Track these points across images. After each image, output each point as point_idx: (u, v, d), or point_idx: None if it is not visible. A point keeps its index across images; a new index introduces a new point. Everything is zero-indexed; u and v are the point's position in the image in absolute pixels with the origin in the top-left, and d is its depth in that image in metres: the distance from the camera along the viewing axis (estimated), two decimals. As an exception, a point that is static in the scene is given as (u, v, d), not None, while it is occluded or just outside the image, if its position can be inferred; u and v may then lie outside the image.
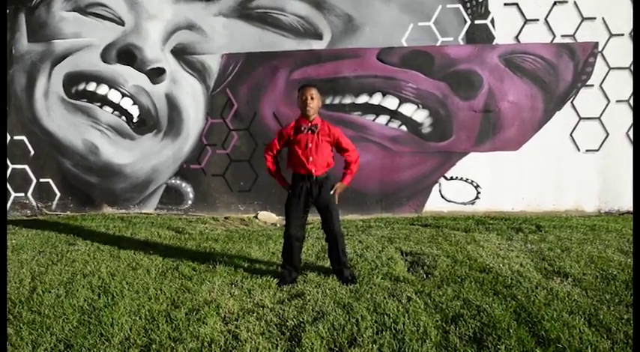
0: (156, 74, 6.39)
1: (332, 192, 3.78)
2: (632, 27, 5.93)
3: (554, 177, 6.23)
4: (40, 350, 2.85)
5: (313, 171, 3.67)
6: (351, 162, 3.86)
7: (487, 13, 6.05)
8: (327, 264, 4.25)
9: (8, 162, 6.74)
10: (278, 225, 6.22)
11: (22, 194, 6.82)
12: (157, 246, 4.98)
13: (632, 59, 5.98)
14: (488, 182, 6.29)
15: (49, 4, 6.46)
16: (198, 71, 6.33)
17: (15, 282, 3.94)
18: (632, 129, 6.08)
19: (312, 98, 3.60)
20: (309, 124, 3.66)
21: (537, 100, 6.11)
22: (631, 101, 6.05)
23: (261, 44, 6.21)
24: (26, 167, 6.75)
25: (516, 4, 6.01)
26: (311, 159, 3.66)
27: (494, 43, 6.07)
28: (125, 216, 6.47)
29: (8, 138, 6.69)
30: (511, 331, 2.92)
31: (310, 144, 3.66)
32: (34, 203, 6.83)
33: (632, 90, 6.01)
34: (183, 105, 6.41)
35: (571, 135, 6.16)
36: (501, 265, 4.13)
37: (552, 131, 6.15)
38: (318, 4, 6.09)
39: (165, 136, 6.48)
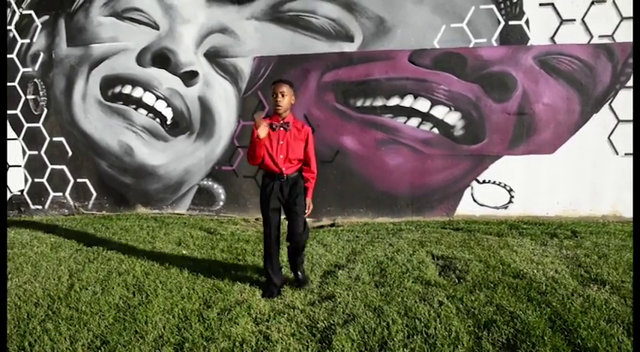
0: (189, 77, 6.50)
1: (305, 214, 3.73)
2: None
3: (591, 182, 6.07)
4: (78, 346, 2.94)
5: (283, 169, 3.59)
6: (312, 176, 3.78)
7: (522, 13, 5.94)
8: (359, 265, 4.25)
9: (48, 162, 6.96)
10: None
11: (60, 193, 7.03)
12: (190, 246, 5.06)
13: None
14: (522, 186, 6.17)
15: (87, 10, 6.65)
16: (231, 74, 6.41)
17: (54, 279, 4.07)
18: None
19: (282, 95, 3.52)
20: (281, 122, 3.60)
21: (574, 102, 5.97)
22: (673, 103, 5.85)
23: (293, 47, 6.25)
24: (64, 167, 6.96)
25: (552, 4, 5.88)
26: (281, 156, 3.59)
27: (528, 44, 5.95)
28: (158, 216, 6.60)
29: (47, 139, 6.90)
30: (546, 338, 2.86)
31: (282, 142, 3.59)
32: (71, 202, 7.03)
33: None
34: (216, 107, 6.50)
35: (609, 138, 5.98)
36: (535, 271, 4.05)
37: (589, 134, 5.99)
38: (349, 6, 6.09)
39: (197, 138, 6.59)
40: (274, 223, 3.69)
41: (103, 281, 4.00)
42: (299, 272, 3.85)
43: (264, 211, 3.70)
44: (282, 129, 3.60)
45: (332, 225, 6.24)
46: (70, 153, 6.92)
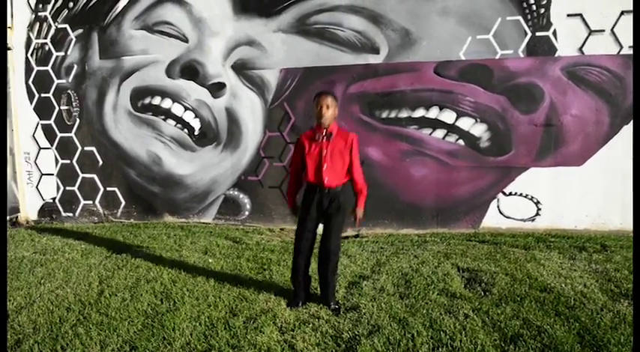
0: (217, 88, 6.63)
1: (356, 222, 3.63)
2: None
3: (621, 194, 5.94)
4: (108, 351, 3.01)
5: (326, 180, 3.51)
6: (359, 188, 3.64)
7: (549, 24, 5.89)
8: (383, 277, 4.24)
9: (79, 171, 7.15)
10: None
11: (91, 202, 7.20)
12: (216, 254, 5.12)
13: None
14: (550, 198, 6.08)
15: (119, 23, 6.85)
16: (257, 85, 6.51)
17: (84, 285, 4.17)
18: None
19: (327, 107, 3.49)
20: (324, 132, 3.55)
21: (603, 114, 5.88)
22: None
23: (319, 59, 6.32)
24: (95, 176, 7.14)
25: (580, 15, 5.83)
26: (325, 166, 3.51)
27: (556, 55, 5.90)
28: (185, 225, 6.71)
29: (79, 148, 7.10)
30: (575, 354, 2.82)
31: (325, 152, 3.53)
32: (101, 210, 7.20)
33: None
34: (243, 118, 6.60)
35: None
36: (563, 285, 3.99)
37: (619, 146, 5.88)
38: (375, 18, 6.14)
39: (224, 148, 6.69)
40: (307, 236, 3.63)
41: (132, 288, 4.09)
42: (331, 303, 3.63)
43: (299, 222, 3.67)
44: (325, 139, 3.54)
45: (356, 236, 6.24)
46: (101, 163, 7.09)
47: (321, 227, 3.69)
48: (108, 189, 7.14)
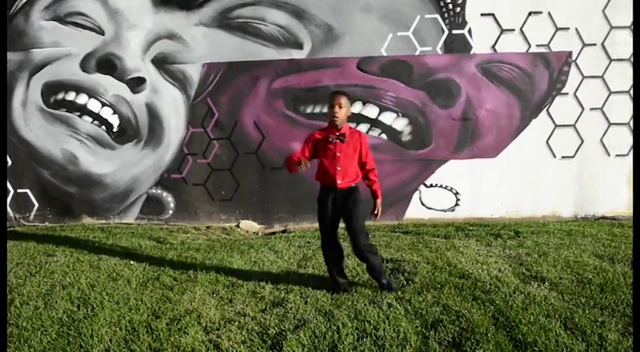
0: (136, 83, 6.37)
1: (375, 213, 3.78)
2: (604, 36, 6.12)
3: (532, 184, 6.35)
4: (18, 363, 2.82)
5: (339, 182, 3.57)
6: (373, 178, 3.79)
7: (464, 23, 6.16)
8: (309, 271, 4.27)
9: (-15, 172, 6.65)
10: (260, 234, 6.22)
11: None
12: (138, 256, 4.94)
13: (604, 68, 6.15)
14: (468, 189, 6.38)
15: (27, 13, 6.41)
16: (179, 80, 6.33)
17: (-8, 295, 3.88)
18: (606, 136, 6.25)
19: (339, 107, 3.49)
20: (337, 134, 3.56)
21: (514, 108, 6.24)
22: (604, 109, 6.21)
23: (242, 53, 6.24)
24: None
25: (492, 15, 6.14)
26: (339, 168, 3.56)
27: (471, 52, 6.18)
28: (105, 227, 6.41)
29: (-15, 148, 6.60)
30: (489, 335, 2.97)
31: (339, 154, 3.55)
32: (11, 214, 6.73)
33: (615, 96, 6.18)
34: (164, 114, 6.40)
35: (547, 142, 6.29)
36: (480, 271, 4.19)
37: (529, 138, 6.27)
38: (298, 13, 6.15)
39: (145, 146, 6.46)
40: (330, 231, 3.73)
41: (46, 295, 3.85)
42: (382, 280, 3.78)
43: (319, 220, 3.75)
44: (338, 141, 3.55)
45: (284, 231, 6.25)
46: (10, 163, 6.63)
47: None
48: (19, 190, 6.69)
